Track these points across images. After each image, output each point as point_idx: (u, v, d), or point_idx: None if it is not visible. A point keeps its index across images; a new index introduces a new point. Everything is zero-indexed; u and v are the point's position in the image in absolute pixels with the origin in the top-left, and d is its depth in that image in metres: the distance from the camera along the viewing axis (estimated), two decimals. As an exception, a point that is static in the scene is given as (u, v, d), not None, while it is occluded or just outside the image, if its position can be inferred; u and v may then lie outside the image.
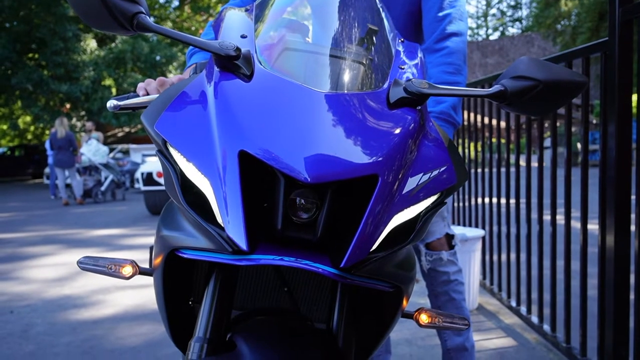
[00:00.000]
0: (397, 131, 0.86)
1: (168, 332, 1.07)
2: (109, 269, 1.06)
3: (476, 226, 3.71)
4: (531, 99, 0.94)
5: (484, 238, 3.43)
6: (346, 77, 0.96)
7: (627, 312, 1.98)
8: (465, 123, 3.86)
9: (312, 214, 0.80)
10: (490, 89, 0.94)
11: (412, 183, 0.84)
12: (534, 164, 2.83)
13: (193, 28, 21.46)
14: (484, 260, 3.55)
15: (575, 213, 2.28)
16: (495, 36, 48.76)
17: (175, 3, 22.59)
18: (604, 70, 1.99)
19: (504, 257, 3.20)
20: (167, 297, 1.00)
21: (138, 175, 9.21)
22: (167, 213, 0.99)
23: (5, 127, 24.61)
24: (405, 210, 0.83)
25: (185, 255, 0.85)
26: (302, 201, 0.79)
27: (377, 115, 0.88)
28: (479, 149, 3.69)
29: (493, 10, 49.07)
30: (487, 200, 3.48)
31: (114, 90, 17.18)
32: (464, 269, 3.06)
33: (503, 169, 3.22)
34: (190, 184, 0.85)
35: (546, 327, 2.60)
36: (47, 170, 14.84)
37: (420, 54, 1.14)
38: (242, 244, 0.75)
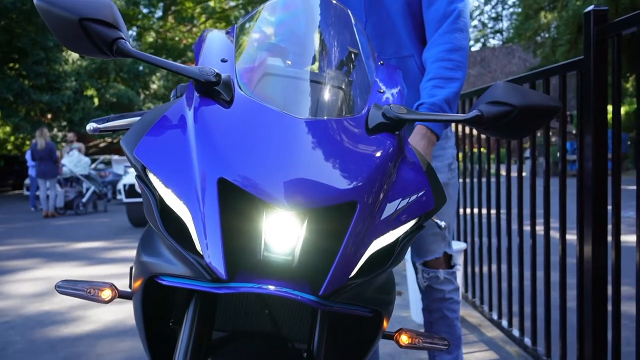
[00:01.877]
0: (376, 157, 0.87)
1: (148, 354, 1.07)
2: (87, 292, 1.06)
3: (458, 239, 3.74)
4: (507, 124, 0.96)
5: (465, 251, 3.45)
6: (325, 102, 0.97)
7: (605, 323, 2.01)
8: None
9: (292, 240, 0.80)
10: (468, 115, 0.96)
11: (390, 208, 0.85)
12: (514, 173, 2.86)
13: (177, 38, 21.40)
14: (466, 273, 3.57)
15: (555, 223, 2.32)
16: (476, 47, 49.40)
17: (159, 13, 22.54)
18: (580, 87, 2.03)
19: (485, 269, 3.23)
20: (146, 321, 0.99)
21: (120, 186, 9.12)
22: (147, 237, 0.98)
23: (-16, 137, 24.24)
24: (384, 235, 0.84)
25: (164, 282, 0.85)
26: (281, 228, 0.80)
27: (356, 140, 0.89)
28: (460, 159, 3.72)
29: (474, 22, 49.75)
30: (468, 211, 3.51)
31: (96, 101, 17.03)
32: (446, 282, 3.07)
33: (484, 179, 3.26)
34: (170, 210, 0.85)
35: (527, 340, 2.63)
36: (27, 181, 14.61)
37: (399, 76, 1.16)
38: (221, 273, 0.75)
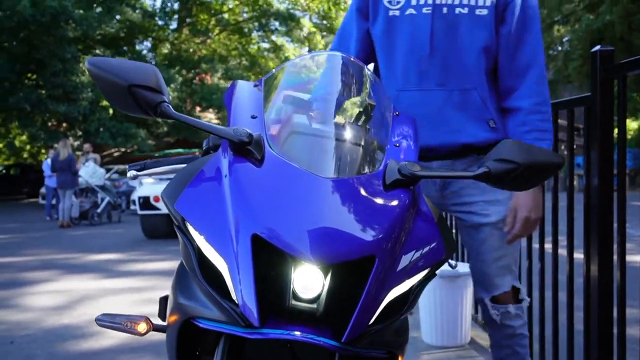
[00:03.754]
0: (393, 212, 0.96)
1: None
2: (125, 326, 1.16)
3: (468, 260, 3.79)
4: (512, 179, 1.05)
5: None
6: (347, 160, 1.06)
7: (610, 346, 2.05)
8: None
9: (317, 290, 0.90)
10: (477, 171, 1.04)
11: (405, 260, 0.94)
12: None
13: (191, 50, 21.69)
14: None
15: (564, 241, 2.36)
16: (489, 59, 49.39)
17: (174, 25, 22.88)
18: (587, 121, 2.11)
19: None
20: (179, 356, 1.08)
21: (135, 197, 9.26)
22: (182, 278, 1.07)
23: (0, 145, 24.68)
24: (400, 285, 0.93)
25: (201, 325, 0.94)
26: (307, 279, 0.89)
27: (374, 196, 0.99)
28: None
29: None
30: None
31: (111, 111, 17.31)
32: (456, 304, 3.14)
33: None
34: (205, 258, 0.95)
35: (536, 362, 2.68)
36: (42, 190, 14.85)
37: (413, 127, 1.25)
38: (254, 320, 0.84)
